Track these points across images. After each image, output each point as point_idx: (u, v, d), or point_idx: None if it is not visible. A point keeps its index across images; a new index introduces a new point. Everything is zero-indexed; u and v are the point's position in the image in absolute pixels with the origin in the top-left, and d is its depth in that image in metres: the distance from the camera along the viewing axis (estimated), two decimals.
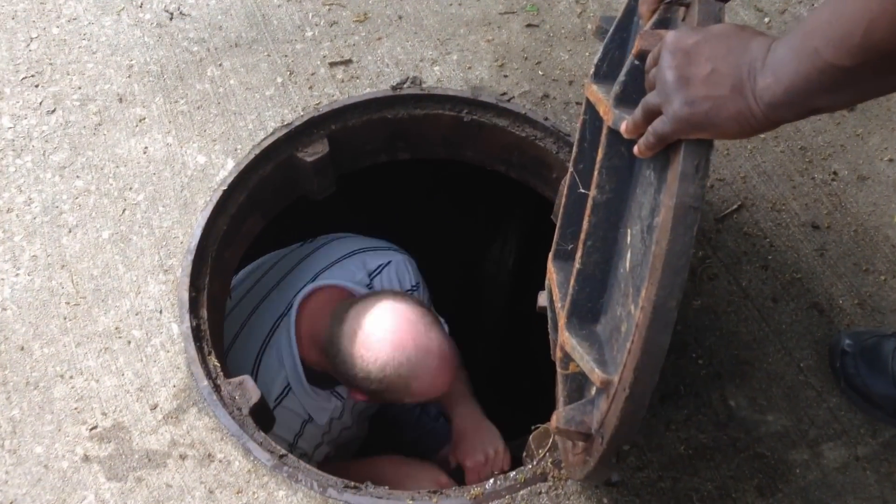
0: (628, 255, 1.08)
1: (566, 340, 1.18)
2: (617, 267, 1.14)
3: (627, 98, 1.09)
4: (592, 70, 1.30)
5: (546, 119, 1.94)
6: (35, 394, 1.56)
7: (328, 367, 1.85)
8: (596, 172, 1.15)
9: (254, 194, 1.90)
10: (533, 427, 1.78)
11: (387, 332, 1.71)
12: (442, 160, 2.10)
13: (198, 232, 1.77)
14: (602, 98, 1.18)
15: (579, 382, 1.24)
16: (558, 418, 1.13)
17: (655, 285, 0.90)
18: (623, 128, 1.03)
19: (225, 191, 1.83)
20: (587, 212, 1.17)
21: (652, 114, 0.96)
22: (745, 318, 1.72)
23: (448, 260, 3.12)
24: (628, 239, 1.10)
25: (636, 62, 1.06)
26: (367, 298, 1.81)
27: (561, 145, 1.92)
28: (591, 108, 1.31)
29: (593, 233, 1.15)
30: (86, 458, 1.49)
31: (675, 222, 0.89)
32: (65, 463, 1.49)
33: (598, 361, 1.08)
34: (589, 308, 1.18)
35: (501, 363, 3.22)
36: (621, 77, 1.10)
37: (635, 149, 1.00)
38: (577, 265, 1.18)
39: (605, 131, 1.15)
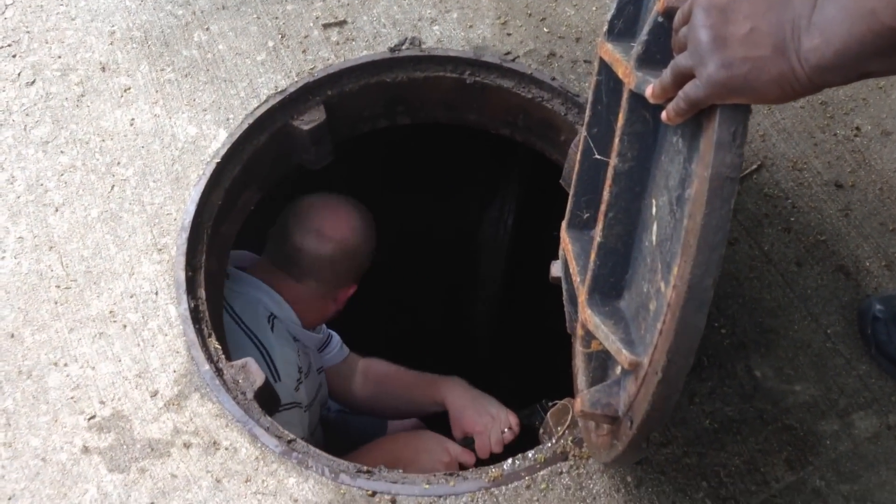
0: (654, 228, 1.04)
1: (588, 318, 1.14)
2: (641, 240, 1.10)
3: (651, 59, 1.04)
4: (606, 27, 1.24)
5: (553, 79, 1.88)
6: (28, 383, 1.52)
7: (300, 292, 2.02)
8: (616, 139, 1.10)
9: (248, 166, 1.85)
10: (549, 403, 1.75)
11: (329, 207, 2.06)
12: (443, 124, 2.05)
13: (191, 208, 1.72)
14: (620, 59, 1.13)
15: (602, 361, 1.21)
16: (583, 401, 1.09)
17: (690, 262, 0.86)
18: (649, 92, 0.98)
19: (218, 163, 1.78)
20: (607, 181, 1.12)
21: (683, 77, 0.91)
22: (769, 284, 1.68)
23: (446, 225, 3.08)
24: (653, 210, 1.06)
25: (661, 20, 1.01)
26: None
27: (569, 106, 1.87)
28: (606, 69, 1.26)
29: (615, 203, 1.11)
30: (85, 450, 1.46)
31: (711, 195, 0.85)
32: (63, 455, 1.46)
33: (624, 341, 1.04)
34: (612, 283, 1.14)
35: (501, 328, 3.20)
36: (643, 36, 1.04)
37: (663, 115, 0.95)
38: (598, 238, 1.13)
39: (625, 95, 1.09)
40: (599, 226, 1.13)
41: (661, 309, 0.94)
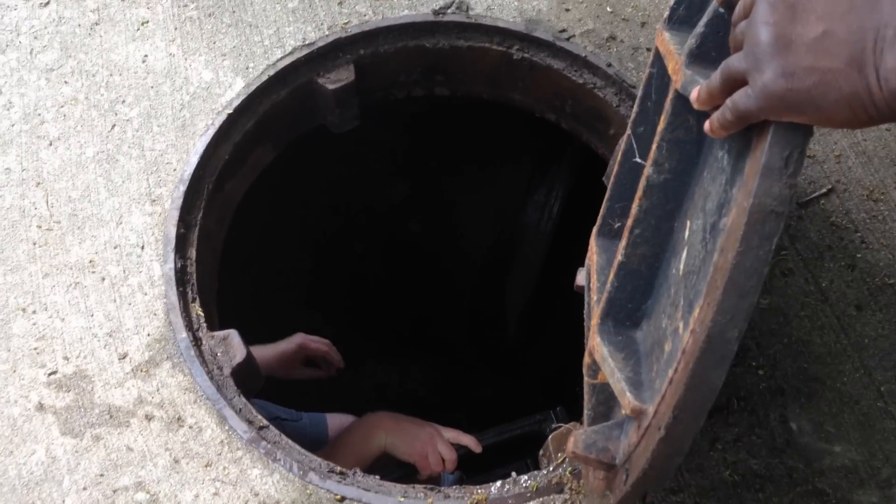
0: (683, 255, 0.92)
1: (596, 346, 1.02)
2: (669, 265, 0.98)
3: (705, 56, 0.91)
4: (667, 13, 1.11)
5: (609, 65, 1.75)
6: None
7: None
8: (654, 145, 0.98)
9: (264, 121, 1.76)
10: (553, 426, 1.65)
11: None
12: (485, 101, 1.93)
13: (194, 159, 1.64)
14: (673, 51, 1.00)
15: (608, 396, 1.09)
16: (577, 441, 0.98)
17: (713, 308, 0.74)
18: (694, 95, 0.85)
19: (230, 114, 1.69)
20: (639, 192, 1.00)
21: (734, 82, 0.78)
22: (821, 326, 1.54)
23: (482, 207, 2.97)
24: (686, 234, 0.93)
25: (721, 10, 0.88)
26: None
27: (623, 98, 1.73)
28: (659, 61, 1.13)
29: (643, 220, 0.99)
30: (40, 407, 1.40)
31: (749, 230, 0.72)
32: (16, 409, 1.40)
33: (630, 382, 0.93)
34: (629, 310, 1.03)
35: (533, 319, 3.09)
36: (700, 28, 0.91)
37: (707, 125, 0.83)
38: (619, 256, 1.01)
39: (671, 94, 0.97)
40: (623, 242, 1.02)
41: (675, 353, 0.82)
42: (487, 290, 3.16)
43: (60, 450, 1.37)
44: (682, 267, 0.92)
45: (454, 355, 3.22)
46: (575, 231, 2.78)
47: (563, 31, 1.81)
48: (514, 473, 1.43)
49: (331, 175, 2.70)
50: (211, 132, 1.67)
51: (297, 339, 2.17)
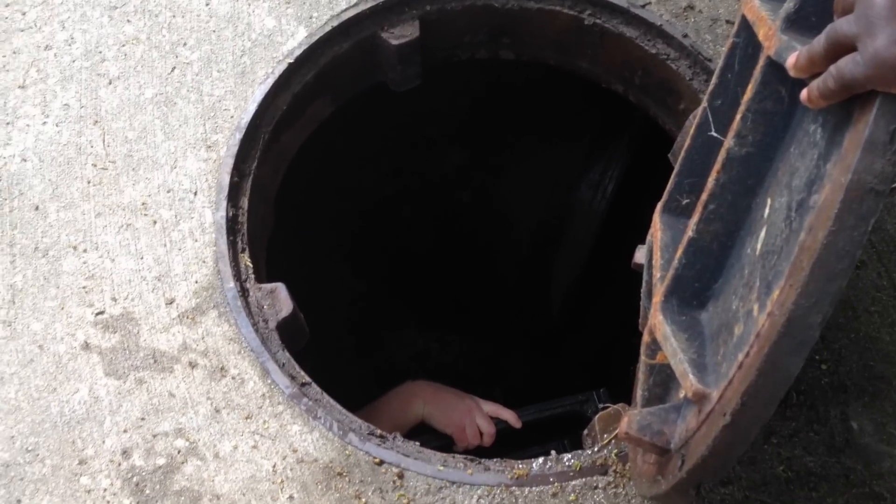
0: (762, 234, 0.87)
1: (658, 325, 0.99)
2: (743, 244, 0.93)
3: (803, 21, 0.86)
4: None
5: (685, 36, 1.68)
6: (42, 262, 1.47)
7: None
8: (738, 116, 0.93)
9: (324, 73, 1.74)
10: (600, 406, 1.62)
11: None
12: (550, 67, 1.88)
13: (252, 107, 1.63)
14: (765, 16, 0.95)
15: (665, 378, 1.05)
16: (630, 422, 0.95)
17: (797, 290, 0.70)
18: (791, 61, 0.80)
19: (291, 64, 1.67)
20: (717, 166, 0.95)
21: (840, 47, 0.73)
22: (891, 323, 1.48)
23: (536, 182, 2.92)
24: (766, 212, 0.89)
25: None
26: None
27: (697, 71, 1.67)
28: (746, 29, 1.07)
29: (719, 194, 0.94)
30: (86, 346, 1.41)
31: (845, 208, 0.68)
32: (62, 346, 1.40)
33: (694, 364, 0.89)
34: (696, 289, 0.98)
35: (580, 298, 3.05)
36: None
37: (804, 93, 0.78)
38: (690, 232, 0.97)
39: (761, 62, 0.92)
40: (695, 217, 0.97)
41: (747, 337, 0.78)
42: (534, 266, 3.13)
43: (103, 390, 1.37)
44: (759, 247, 0.87)
45: (496, 330, 3.20)
46: (628, 212, 2.73)
47: None
48: (553, 452, 1.41)
49: (387, 136, 2.67)
50: (270, 81, 1.65)
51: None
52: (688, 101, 1.68)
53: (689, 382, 0.87)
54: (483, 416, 1.91)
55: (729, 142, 0.93)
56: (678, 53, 1.69)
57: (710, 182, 0.95)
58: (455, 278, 3.18)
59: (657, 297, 1.03)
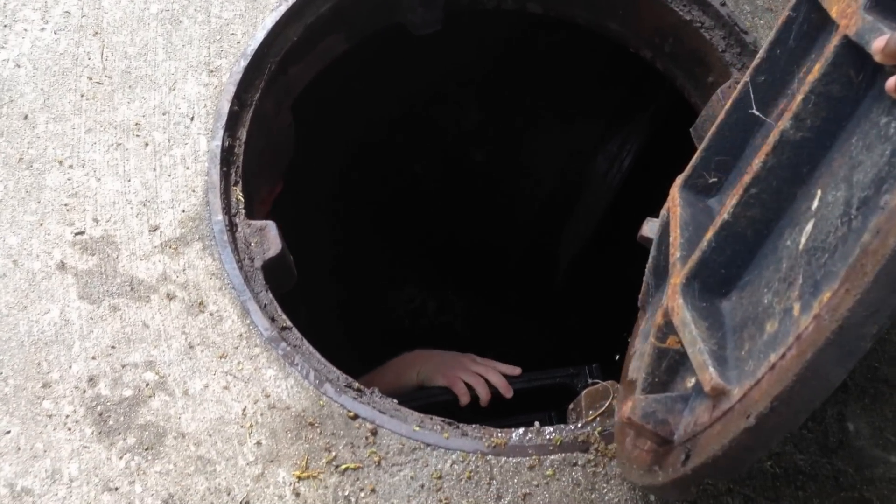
0: (808, 227, 0.72)
1: (677, 308, 0.83)
2: (782, 235, 0.78)
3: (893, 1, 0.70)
4: None
5: (723, 4, 1.50)
6: (26, 174, 1.31)
7: None
8: (799, 97, 0.76)
9: (340, 7, 1.56)
10: (590, 382, 1.47)
11: None
12: (579, 26, 1.69)
13: (260, 34, 1.45)
14: None
15: (674, 364, 0.90)
16: (635, 407, 0.80)
17: (855, 296, 0.55)
18: (879, 44, 0.65)
19: None
20: (766, 147, 0.79)
21: None
22: None
23: (552, 148, 2.75)
24: (814, 203, 0.73)
25: None
26: None
27: (731, 43, 1.49)
28: (809, 4, 0.90)
29: (764, 179, 0.78)
30: (62, 266, 1.25)
31: None
32: (37, 264, 1.25)
33: (715, 357, 0.74)
34: (722, 276, 0.83)
35: (585, 268, 2.88)
36: None
37: (891, 82, 0.62)
38: (724, 215, 0.81)
39: (835, 41, 0.75)
40: (733, 200, 0.81)
41: (783, 337, 0.63)
42: (542, 233, 2.96)
43: (75, 314, 1.22)
44: (803, 240, 0.71)
45: (496, 294, 3.04)
46: (644, 188, 2.55)
47: None
48: (536, 423, 1.26)
49: (402, 84, 2.48)
50: (283, 8, 1.47)
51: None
52: (717, 74, 1.50)
53: (707, 375, 0.72)
54: (479, 365, 1.78)
55: (785, 123, 0.77)
56: (714, 22, 1.51)
57: (756, 164, 0.79)
58: (459, 239, 3.01)
59: (676, 279, 0.87)
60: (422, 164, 2.89)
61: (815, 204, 0.72)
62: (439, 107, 2.68)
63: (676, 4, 1.52)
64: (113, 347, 1.20)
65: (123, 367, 1.19)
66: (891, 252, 0.53)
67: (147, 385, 1.18)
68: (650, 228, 1.27)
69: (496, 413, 1.78)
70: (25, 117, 1.35)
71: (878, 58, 0.65)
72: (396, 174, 2.83)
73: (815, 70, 0.75)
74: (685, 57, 1.56)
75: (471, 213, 2.94)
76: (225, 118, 1.38)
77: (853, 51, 0.70)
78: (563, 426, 1.25)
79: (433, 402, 1.75)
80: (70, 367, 1.19)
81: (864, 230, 0.58)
